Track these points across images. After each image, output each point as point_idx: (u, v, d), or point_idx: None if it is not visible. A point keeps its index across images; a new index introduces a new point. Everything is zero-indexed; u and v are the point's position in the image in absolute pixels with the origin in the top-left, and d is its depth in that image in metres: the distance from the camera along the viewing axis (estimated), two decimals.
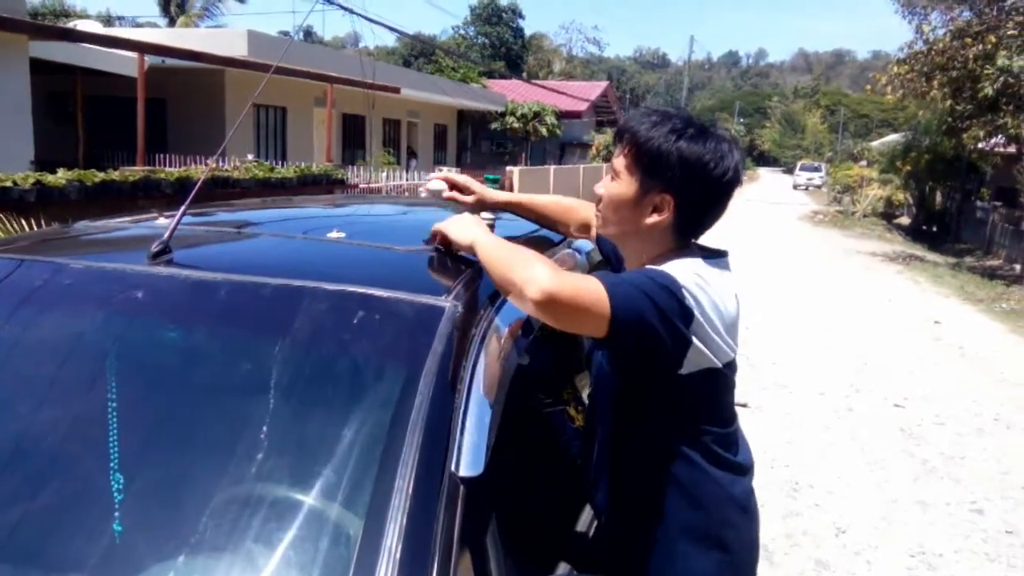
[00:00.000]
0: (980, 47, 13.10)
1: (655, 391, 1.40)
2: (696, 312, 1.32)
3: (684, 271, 1.36)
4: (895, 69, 14.83)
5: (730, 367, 1.42)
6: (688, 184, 1.40)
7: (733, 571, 1.47)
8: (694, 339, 1.32)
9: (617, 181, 1.45)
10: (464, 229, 1.52)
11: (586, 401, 1.67)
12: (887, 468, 4.77)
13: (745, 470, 1.50)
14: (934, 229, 22.17)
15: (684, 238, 1.46)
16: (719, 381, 1.40)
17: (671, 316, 1.29)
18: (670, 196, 1.41)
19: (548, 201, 1.85)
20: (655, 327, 1.29)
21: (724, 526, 1.45)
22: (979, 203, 19.92)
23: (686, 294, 1.31)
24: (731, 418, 1.47)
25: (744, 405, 5.72)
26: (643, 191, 1.42)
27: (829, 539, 3.83)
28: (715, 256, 1.46)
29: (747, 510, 1.49)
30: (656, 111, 1.46)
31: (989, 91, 12.66)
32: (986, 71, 12.75)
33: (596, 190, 1.52)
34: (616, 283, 1.32)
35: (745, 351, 7.05)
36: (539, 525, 1.53)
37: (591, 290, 1.29)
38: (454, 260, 1.52)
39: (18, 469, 1.23)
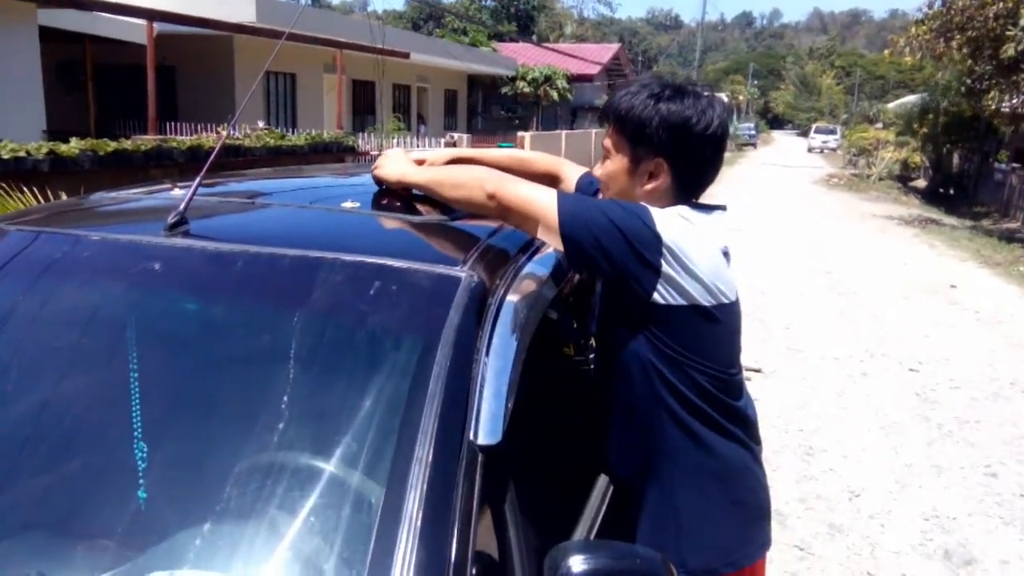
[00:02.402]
0: (1001, 5, 12.80)
1: (634, 318, 1.40)
2: (666, 239, 1.34)
3: (667, 209, 1.41)
4: (913, 30, 14.54)
5: (722, 310, 1.41)
6: (676, 144, 1.43)
7: (742, 522, 1.48)
8: (664, 266, 1.33)
9: (610, 159, 1.51)
10: (391, 165, 1.68)
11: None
12: (902, 432, 4.78)
13: (746, 421, 1.50)
14: (951, 192, 21.90)
15: (685, 199, 1.48)
16: (708, 320, 1.39)
17: (633, 239, 1.33)
18: (662, 160, 1.45)
19: (501, 155, 1.85)
20: (612, 246, 1.33)
21: (727, 475, 1.45)
22: (997, 165, 19.61)
23: (657, 221, 1.35)
24: (729, 362, 1.46)
25: (758, 370, 5.75)
26: (635, 161, 1.47)
27: (843, 503, 3.86)
28: (710, 208, 1.48)
29: (746, 461, 1.49)
30: (633, 82, 1.51)
31: (1011, 51, 12.39)
32: (1008, 32, 12.47)
33: (594, 173, 1.58)
34: (571, 199, 1.42)
35: (759, 315, 7.08)
36: (558, 491, 1.55)
37: (538, 198, 1.40)
38: (470, 230, 1.52)
39: (44, 440, 1.24)
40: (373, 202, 1.68)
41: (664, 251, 1.34)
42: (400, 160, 1.69)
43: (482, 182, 1.45)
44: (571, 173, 1.81)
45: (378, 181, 1.71)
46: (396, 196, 1.70)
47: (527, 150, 1.95)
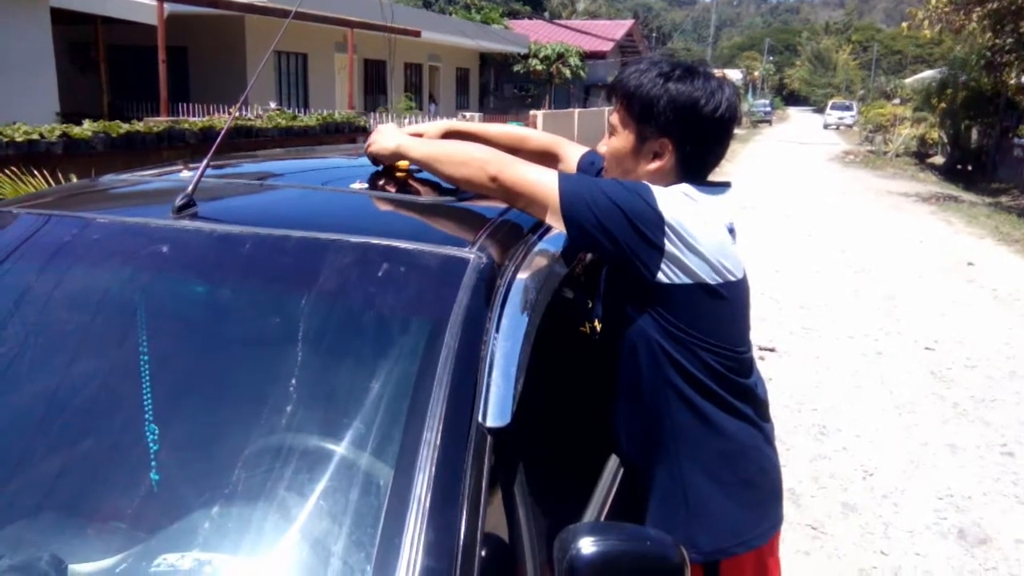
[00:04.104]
0: None
1: (639, 299, 1.39)
2: (668, 217, 1.33)
3: (670, 187, 1.40)
4: (933, 3, 14.30)
5: (729, 288, 1.40)
6: (682, 124, 1.42)
7: (753, 502, 1.48)
8: (667, 245, 1.33)
9: (616, 136, 1.49)
10: (385, 138, 1.63)
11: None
12: (916, 411, 4.75)
13: (756, 399, 1.49)
14: (969, 168, 21.58)
15: (689, 179, 1.46)
16: (715, 298, 1.38)
17: (635, 218, 1.32)
18: (667, 140, 1.43)
19: (499, 131, 1.83)
20: (614, 225, 1.32)
21: (737, 455, 1.45)
22: (1017, 140, 19.28)
23: (659, 200, 1.34)
24: (737, 340, 1.45)
25: (772, 349, 5.72)
26: (640, 140, 1.45)
27: (856, 482, 3.84)
28: (714, 185, 1.47)
29: (757, 441, 1.48)
30: (642, 59, 1.49)
31: None
32: None
33: (599, 149, 1.56)
34: (572, 179, 1.42)
35: (772, 294, 7.05)
36: (568, 473, 1.54)
37: (539, 179, 1.40)
38: (479, 211, 1.51)
39: (55, 422, 1.25)
40: (382, 183, 1.67)
41: (667, 229, 1.33)
42: (395, 134, 1.65)
43: (485, 163, 1.43)
44: (570, 152, 1.79)
45: (373, 158, 1.68)
46: (404, 177, 1.68)
47: (526, 128, 1.94)
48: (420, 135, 1.72)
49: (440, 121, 1.84)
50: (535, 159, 1.65)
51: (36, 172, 4.78)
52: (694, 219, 1.35)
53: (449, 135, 1.74)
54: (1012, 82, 14.85)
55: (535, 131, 1.87)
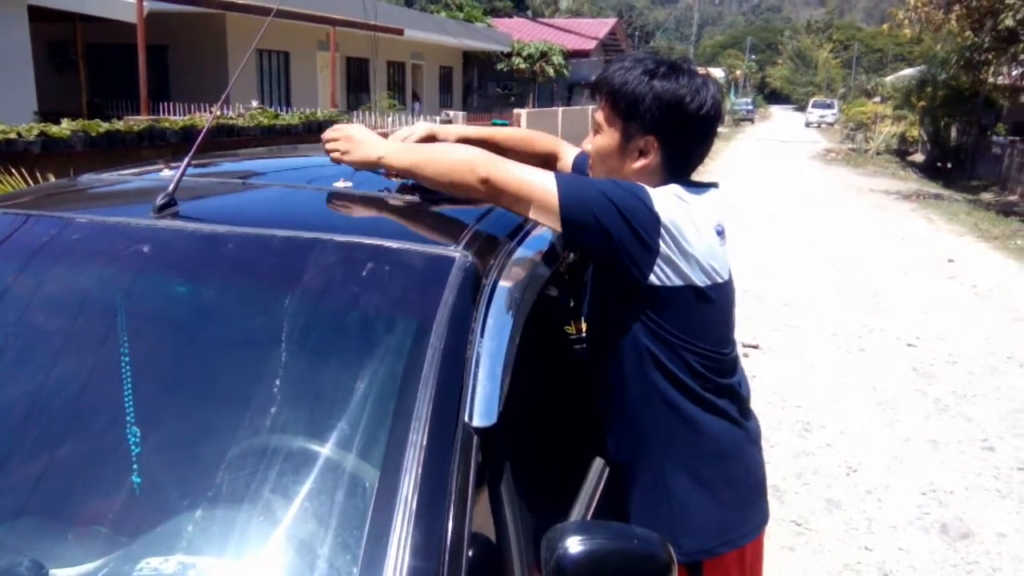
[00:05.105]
0: None
1: (629, 301, 1.39)
2: (664, 219, 1.33)
3: (662, 189, 1.40)
4: (912, 2, 14.42)
5: (716, 290, 1.40)
6: (668, 122, 1.42)
7: (737, 501, 1.48)
8: (662, 247, 1.33)
9: (601, 133, 1.48)
10: (364, 148, 1.51)
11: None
12: (899, 407, 4.79)
13: (739, 398, 1.49)
14: (949, 166, 21.80)
15: (675, 177, 1.46)
16: (703, 300, 1.39)
17: (632, 219, 1.32)
18: (653, 138, 1.43)
19: (508, 134, 1.81)
20: (612, 226, 1.32)
21: (720, 455, 1.45)
22: (995, 138, 19.51)
23: (655, 201, 1.34)
24: (723, 341, 1.45)
25: (756, 347, 5.74)
26: (626, 137, 1.45)
27: (840, 478, 3.87)
28: (703, 186, 1.47)
29: (740, 440, 1.48)
30: (626, 57, 1.48)
31: (1009, 21, 12.31)
32: (1007, 1, 12.38)
33: (584, 147, 1.55)
34: (570, 180, 1.40)
35: (756, 292, 7.07)
36: (554, 473, 1.54)
37: (535, 180, 1.37)
38: (464, 209, 1.50)
39: (35, 426, 1.23)
40: (366, 182, 1.65)
41: (662, 231, 1.32)
42: (375, 143, 1.51)
43: (473, 166, 1.40)
44: (567, 152, 1.79)
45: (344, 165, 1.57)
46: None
47: (523, 128, 1.91)
48: (434, 136, 1.66)
49: (456, 126, 1.79)
50: (540, 160, 1.64)
51: (14, 171, 4.72)
52: (687, 221, 1.36)
53: (463, 141, 1.67)
54: (990, 80, 14.99)
55: (539, 133, 1.84)
